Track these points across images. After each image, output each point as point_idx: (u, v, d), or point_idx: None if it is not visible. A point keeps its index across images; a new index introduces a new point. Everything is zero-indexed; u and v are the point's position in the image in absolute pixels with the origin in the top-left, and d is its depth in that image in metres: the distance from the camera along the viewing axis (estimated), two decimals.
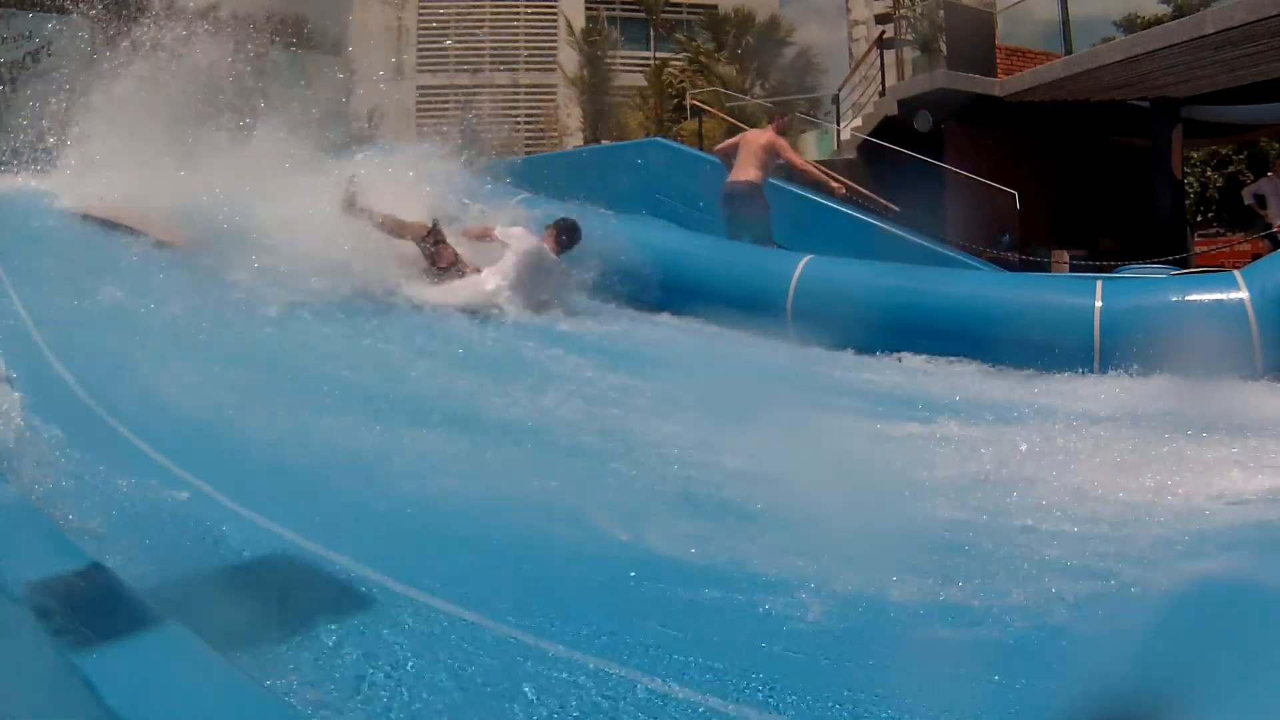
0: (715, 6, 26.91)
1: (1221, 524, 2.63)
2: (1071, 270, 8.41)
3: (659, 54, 25.90)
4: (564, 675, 1.78)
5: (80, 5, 7.38)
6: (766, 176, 6.53)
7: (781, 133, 6.70)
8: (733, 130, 13.91)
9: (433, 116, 27.65)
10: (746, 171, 6.45)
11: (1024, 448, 3.39)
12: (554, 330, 5.25)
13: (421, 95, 28.12)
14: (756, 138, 6.64)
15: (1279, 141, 15.82)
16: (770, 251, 6.29)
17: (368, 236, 5.24)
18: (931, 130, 9.81)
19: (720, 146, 7.00)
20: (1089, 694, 1.74)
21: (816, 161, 10.76)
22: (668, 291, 5.87)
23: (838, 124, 11.97)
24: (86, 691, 1.15)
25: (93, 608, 1.46)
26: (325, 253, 4.98)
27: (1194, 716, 1.57)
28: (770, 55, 24.06)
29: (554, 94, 27.15)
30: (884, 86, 11.75)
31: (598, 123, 23.20)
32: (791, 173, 6.91)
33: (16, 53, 12.67)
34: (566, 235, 5.44)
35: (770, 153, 6.46)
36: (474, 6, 28.63)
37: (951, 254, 6.83)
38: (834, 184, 6.56)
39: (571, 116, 25.47)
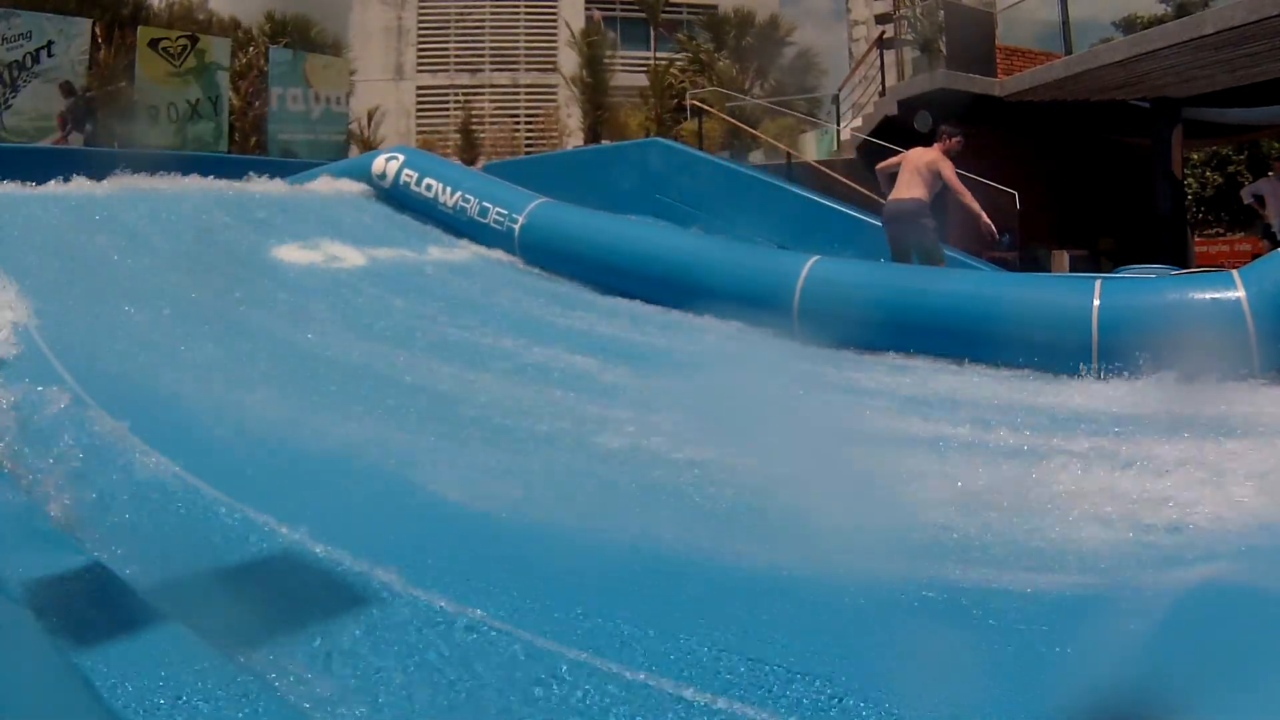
0: (715, 6, 26.91)
1: (1220, 524, 2.63)
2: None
3: (659, 54, 25.89)
4: (564, 674, 1.79)
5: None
6: (933, 195, 6.06)
7: (949, 153, 6.07)
8: (734, 130, 13.99)
9: (433, 116, 27.70)
10: (911, 189, 6.03)
11: (1024, 447, 3.39)
12: (556, 327, 5.27)
13: (421, 95, 28.11)
14: (921, 155, 6.16)
15: (1279, 142, 15.81)
16: (777, 252, 6.30)
17: None
18: (931, 130, 9.80)
19: (882, 165, 6.47)
20: (1088, 693, 1.74)
21: (818, 161, 10.78)
22: (678, 291, 5.92)
23: (838, 124, 11.98)
24: (86, 691, 1.16)
25: (93, 608, 1.47)
26: None
27: (1194, 717, 1.58)
28: (770, 55, 24.05)
29: (554, 94, 27.15)
30: (884, 86, 11.74)
31: (598, 123, 23.19)
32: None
33: (17, 53, 12.66)
34: None
35: (934, 172, 6.01)
36: (474, 6, 28.62)
37: (951, 254, 6.83)
38: (988, 223, 5.83)
39: (572, 117, 25.46)
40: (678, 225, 7.52)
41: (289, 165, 9.94)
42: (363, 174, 7.85)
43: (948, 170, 5.95)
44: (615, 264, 6.34)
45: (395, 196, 7.57)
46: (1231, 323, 4.11)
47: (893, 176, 6.23)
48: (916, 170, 6.04)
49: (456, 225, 7.19)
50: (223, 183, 7.18)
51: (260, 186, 7.35)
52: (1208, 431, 3.33)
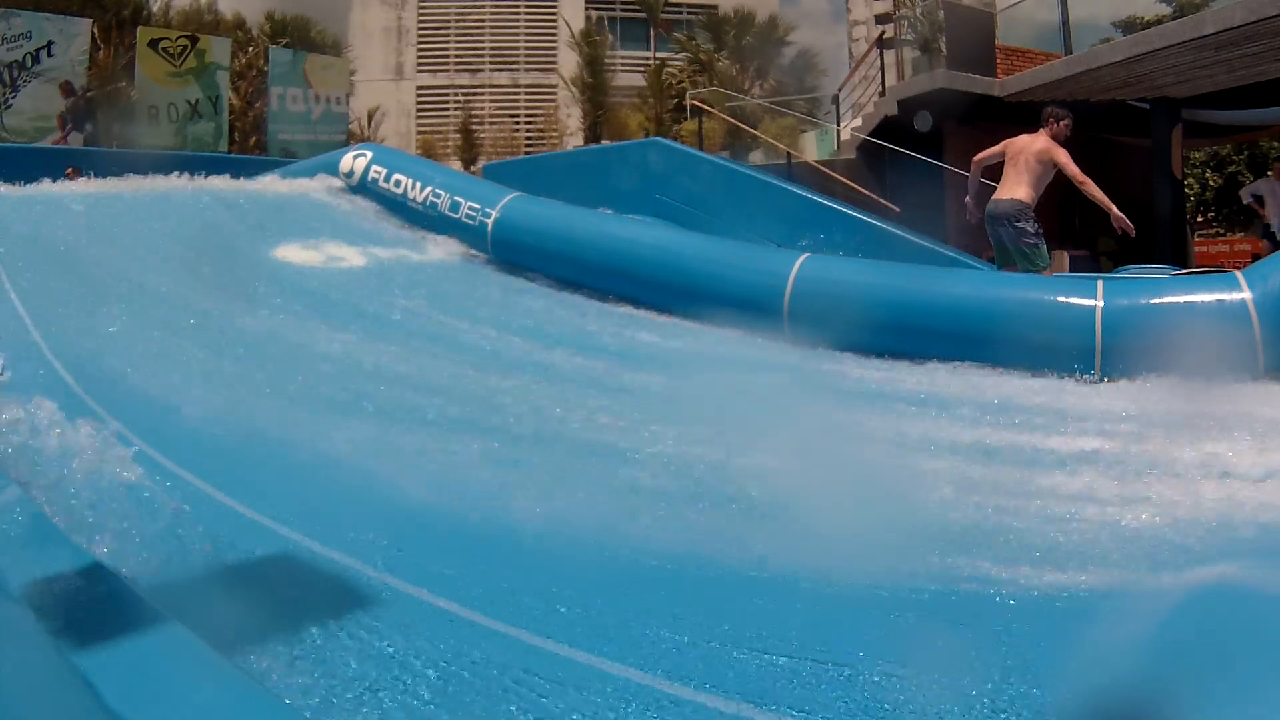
0: (715, 6, 26.92)
1: (1223, 525, 2.62)
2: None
3: (659, 54, 25.91)
4: (565, 674, 1.78)
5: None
6: (1039, 192, 5.46)
7: (1058, 138, 5.38)
8: (734, 130, 13.99)
9: (433, 116, 27.71)
10: (1014, 188, 5.43)
11: (1025, 449, 3.38)
12: (553, 329, 5.26)
13: (421, 95, 28.13)
14: (1027, 145, 5.46)
15: (1279, 142, 15.82)
16: (766, 250, 6.09)
17: None
18: (931, 130, 9.80)
19: (980, 156, 5.75)
20: (1089, 693, 1.73)
21: (818, 161, 10.78)
22: (663, 291, 5.76)
23: (838, 124, 11.99)
24: (86, 691, 1.15)
25: (93, 608, 1.46)
26: None
27: (1194, 717, 1.57)
28: (770, 55, 24.06)
29: (554, 94, 27.16)
30: (884, 86, 11.74)
31: (598, 123, 23.20)
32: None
33: (17, 53, 12.66)
34: None
35: (1044, 163, 5.35)
36: (474, 6, 28.63)
37: (951, 254, 6.80)
38: (1120, 216, 5.14)
39: (571, 117, 25.48)
40: (677, 225, 7.44)
41: (260, 164, 9.85)
42: (331, 172, 7.71)
43: (1063, 158, 5.27)
44: (592, 261, 6.11)
45: (363, 194, 7.42)
46: (1237, 323, 4.08)
47: (990, 170, 5.70)
48: (1025, 164, 5.42)
49: (426, 222, 7.01)
50: (183, 179, 7.19)
51: (223, 185, 7.30)
52: (1212, 433, 3.32)
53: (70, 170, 8.02)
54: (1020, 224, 5.45)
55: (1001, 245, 5.62)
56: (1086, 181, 5.26)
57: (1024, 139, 5.57)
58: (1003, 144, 5.66)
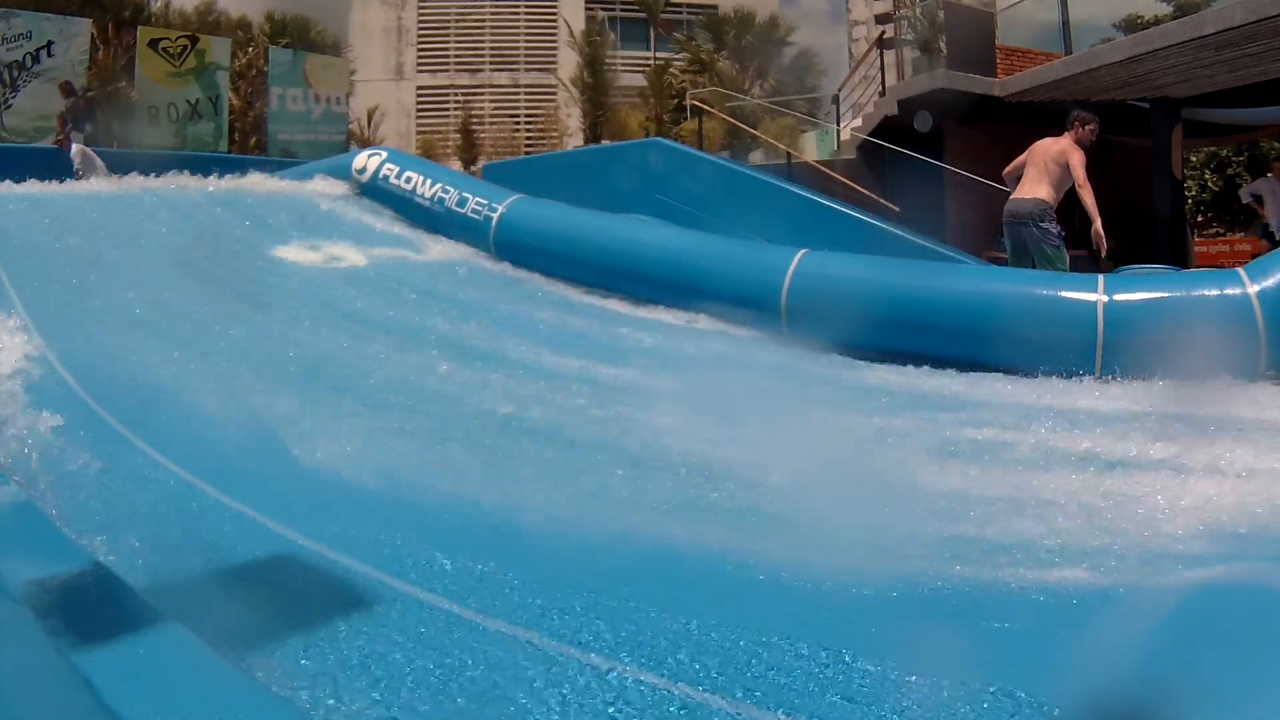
0: (715, 7, 26.91)
1: (1224, 525, 2.62)
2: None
3: (659, 54, 25.92)
4: (566, 674, 1.78)
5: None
6: (1060, 194, 5.45)
7: (1082, 143, 5.39)
8: (734, 130, 13.98)
9: (433, 116, 27.71)
10: (1035, 188, 5.44)
11: (1025, 447, 3.38)
12: (554, 328, 5.26)
13: (421, 95, 28.12)
14: (1048, 147, 5.49)
15: (1279, 142, 15.83)
16: (763, 246, 6.06)
17: None
18: (931, 130, 9.81)
19: (1009, 168, 5.78)
20: (1089, 693, 1.73)
21: (818, 161, 10.78)
22: (663, 288, 5.79)
23: (838, 124, 11.99)
24: (86, 691, 1.15)
25: (93, 608, 1.46)
26: None
27: (1195, 716, 1.57)
28: (770, 55, 24.05)
29: (554, 94, 27.14)
30: (884, 86, 11.75)
31: (598, 123, 23.19)
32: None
33: (17, 53, 12.66)
34: None
35: (1061, 165, 5.37)
36: (474, 6, 28.62)
37: (950, 254, 6.79)
38: (1099, 232, 5.16)
39: (571, 117, 25.46)
40: (676, 225, 7.46)
41: (261, 164, 9.90)
42: (344, 171, 7.97)
43: (1075, 161, 5.32)
44: (593, 259, 6.23)
45: (373, 192, 7.67)
46: (1240, 320, 4.07)
47: (1019, 177, 5.68)
48: (1044, 165, 5.45)
49: (433, 218, 7.25)
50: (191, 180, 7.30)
51: (224, 185, 7.40)
52: (1213, 431, 3.32)
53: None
54: (1045, 224, 5.43)
55: (1021, 247, 5.55)
56: (1086, 186, 5.29)
57: (1047, 142, 5.57)
58: (1027, 151, 5.67)
